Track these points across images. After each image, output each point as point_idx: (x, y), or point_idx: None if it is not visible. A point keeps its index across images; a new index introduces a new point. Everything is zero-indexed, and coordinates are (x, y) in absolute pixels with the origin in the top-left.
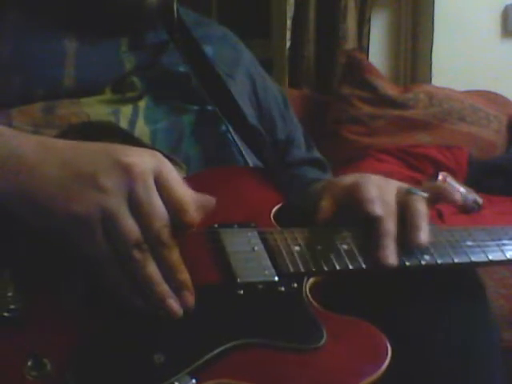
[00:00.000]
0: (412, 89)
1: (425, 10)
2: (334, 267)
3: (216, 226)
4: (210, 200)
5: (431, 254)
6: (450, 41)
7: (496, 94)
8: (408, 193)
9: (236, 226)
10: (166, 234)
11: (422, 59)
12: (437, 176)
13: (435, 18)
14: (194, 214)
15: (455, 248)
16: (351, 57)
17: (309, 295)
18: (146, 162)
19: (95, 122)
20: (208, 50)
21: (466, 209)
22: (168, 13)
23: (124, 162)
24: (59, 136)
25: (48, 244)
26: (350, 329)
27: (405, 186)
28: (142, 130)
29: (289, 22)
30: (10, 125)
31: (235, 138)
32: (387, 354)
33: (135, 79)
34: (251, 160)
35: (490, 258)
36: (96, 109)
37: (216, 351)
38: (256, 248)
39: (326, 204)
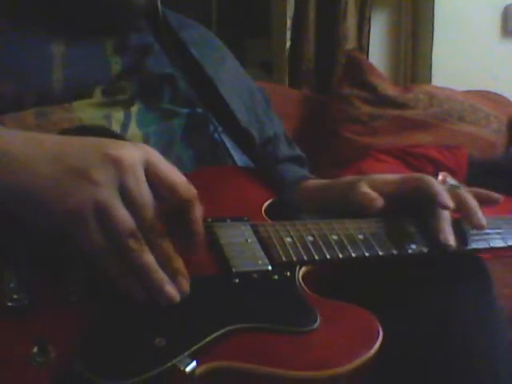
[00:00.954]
0: (412, 89)
1: (425, 10)
2: (325, 257)
3: (210, 220)
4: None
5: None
6: (450, 41)
7: (496, 94)
8: (454, 187)
9: (229, 220)
10: (159, 222)
11: (421, 59)
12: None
13: (435, 18)
14: (190, 188)
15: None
16: (351, 57)
17: (301, 283)
18: (134, 154)
19: (88, 126)
20: (192, 51)
21: None
22: (152, 13)
23: (113, 155)
24: None
25: (47, 237)
26: (341, 312)
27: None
28: (134, 133)
29: (289, 22)
30: None
31: (223, 138)
32: (379, 334)
33: (125, 84)
34: (240, 160)
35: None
36: (88, 113)
37: (214, 335)
38: (249, 240)
39: (375, 196)
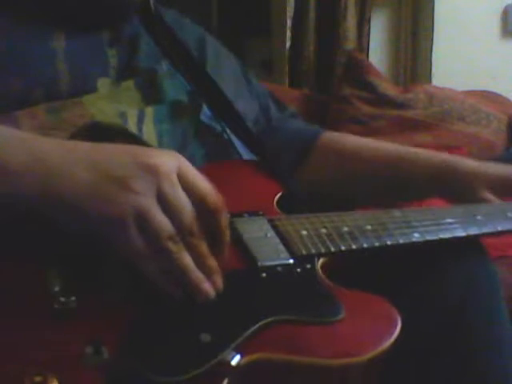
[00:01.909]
0: (412, 89)
1: (425, 10)
2: (340, 248)
3: (229, 215)
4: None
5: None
6: (450, 41)
7: (496, 94)
8: None
9: (246, 215)
10: (195, 225)
11: (421, 59)
12: None
13: (435, 18)
14: (218, 197)
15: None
16: (351, 57)
17: (322, 275)
18: (168, 161)
19: (102, 124)
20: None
21: None
22: (144, 4)
23: (149, 163)
24: (69, 138)
25: (87, 242)
26: (363, 302)
27: None
28: (149, 132)
29: (289, 22)
30: (19, 129)
31: (231, 137)
32: (398, 322)
33: (128, 78)
34: (247, 155)
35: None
36: (99, 108)
37: (253, 328)
38: (268, 234)
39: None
